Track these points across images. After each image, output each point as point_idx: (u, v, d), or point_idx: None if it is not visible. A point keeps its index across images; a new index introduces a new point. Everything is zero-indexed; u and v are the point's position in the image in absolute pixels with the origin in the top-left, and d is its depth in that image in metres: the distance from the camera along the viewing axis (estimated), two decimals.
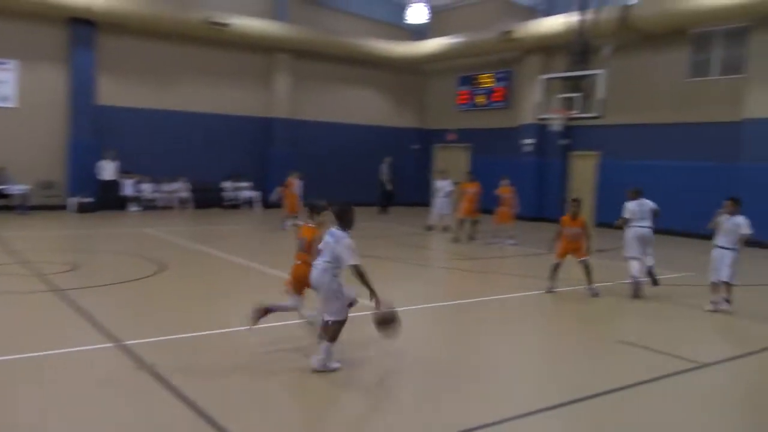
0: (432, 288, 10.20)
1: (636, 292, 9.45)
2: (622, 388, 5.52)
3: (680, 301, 9.48)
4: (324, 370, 5.47)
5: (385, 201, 22.75)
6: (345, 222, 5.63)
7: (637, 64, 18.89)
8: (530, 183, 21.07)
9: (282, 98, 22.71)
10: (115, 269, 10.13)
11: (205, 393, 4.99)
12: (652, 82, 18.59)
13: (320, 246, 5.66)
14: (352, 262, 5.38)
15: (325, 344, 5.51)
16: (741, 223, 8.59)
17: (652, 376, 5.85)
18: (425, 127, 26.33)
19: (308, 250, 5.97)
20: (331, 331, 5.51)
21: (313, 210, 6.13)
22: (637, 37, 18.34)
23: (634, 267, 9.57)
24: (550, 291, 9.56)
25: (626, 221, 9.72)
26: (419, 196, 25.48)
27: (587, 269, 9.49)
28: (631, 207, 9.78)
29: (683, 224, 16.58)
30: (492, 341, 7.12)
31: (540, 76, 17.80)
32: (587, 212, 19.94)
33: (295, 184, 16.65)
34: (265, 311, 6.14)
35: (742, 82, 16.52)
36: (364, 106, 24.88)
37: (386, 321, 5.37)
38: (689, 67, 17.83)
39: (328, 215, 5.86)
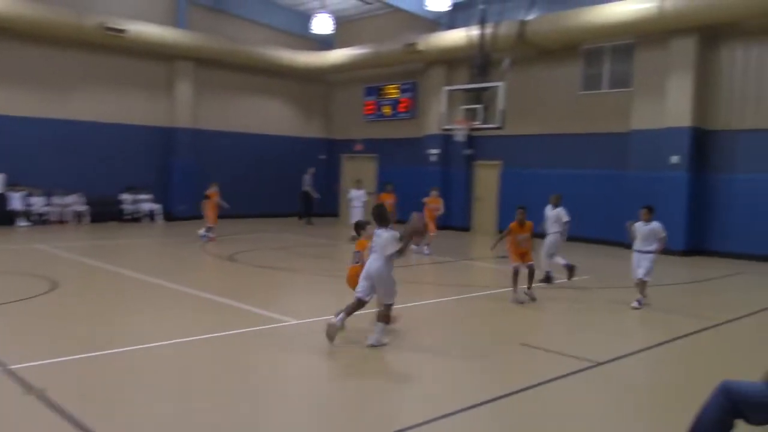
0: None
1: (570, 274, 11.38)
2: (520, 390, 5.82)
3: (579, 301, 10.05)
4: (378, 345, 6.85)
5: (310, 211, 22.64)
6: (383, 220, 7.06)
7: (534, 78, 19.87)
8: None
9: (184, 107, 22.24)
10: (0, 289, 9.57)
11: (104, 419, 4.73)
12: (548, 95, 19.60)
13: (372, 246, 7.02)
14: (394, 250, 6.80)
15: (380, 325, 6.92)
16: (657, 228, 9.64)
17: (547, 377, 6.19)
18: (332, 137, 26.49)
19: (362, 260, 7.33)
20: (385, 313, 6.94)
21: (360, 228, 7.73)
22: (533, 51, 19.30)
23: (559, 260, 11.37)
24: (518, 302, 9.68)
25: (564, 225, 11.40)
26: (329, 207, 25.57)
27: (532, 274, 9.96)
28: (547, 213, 11.55)
29: (580, 229, 17.53)
30: (400, 348, 7.30)
31: (443, 88, 18.35)
32: (492, 219, 20.69)
33: (216, 195, 16.70)
34: (347, 314, 7.04)
35: (629, 95, 17.72)
36: (270, 116, 24.74)
37: (417, 231, 6.87)
38: (582, 80, 18.95)
39: (371, 228, 7.25)
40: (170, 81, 22.15)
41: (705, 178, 16.65)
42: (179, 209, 21.98)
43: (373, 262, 6.95)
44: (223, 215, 22.39)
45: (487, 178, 21.38)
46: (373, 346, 6.81)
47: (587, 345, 7.59)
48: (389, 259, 6.89)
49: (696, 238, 16.60)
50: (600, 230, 17.83)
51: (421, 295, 10.23)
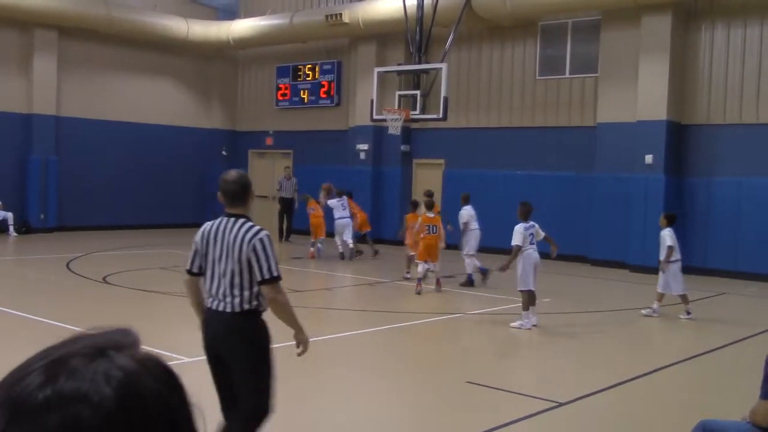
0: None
1: (484, 279, 14.01)
2: None
3: (540, 330, 10.29)
4: (520, 328, 10.09)
5: (291, 225, 21.79)
6: (525, 215, 10.55)
7: (484, 59, 20.27)
8: (365, 196, 21.66)
9: (44, 89, 21.59)
10: None
11: None
12: (500, 80, 20.04)
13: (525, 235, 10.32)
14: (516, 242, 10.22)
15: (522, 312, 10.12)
16: (664, 237, 11.33)
17: (502, 420, 6.29)
18: (237, 128, 26.23)
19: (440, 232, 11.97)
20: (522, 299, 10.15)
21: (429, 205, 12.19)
22: (483, 27, 19.68)
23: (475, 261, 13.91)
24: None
25: (467, 225, 14.00)
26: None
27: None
28: (470, 212, 14.15)
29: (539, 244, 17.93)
30: (323, 390, 7.27)
31: (374, 69, 18.48)
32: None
33: None
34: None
35: (594, 82, 18.30)
36: (157, 102, 24.30)
37: None
38: (540, 63, 19.45)
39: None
40: (26, 56, 21.43)
41: (683, 182, 17.33)
42: (38, 218, 21.28)
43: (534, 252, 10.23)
44: (97, 225, 21.90)
45: (428, 180, 21.59)
46: (515, 328, 10.17)
47: (545, 381, 7.76)
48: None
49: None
50: (561, 243, 18.26)
51: (350, 324, 10.24)
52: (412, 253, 14.06)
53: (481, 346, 9.83)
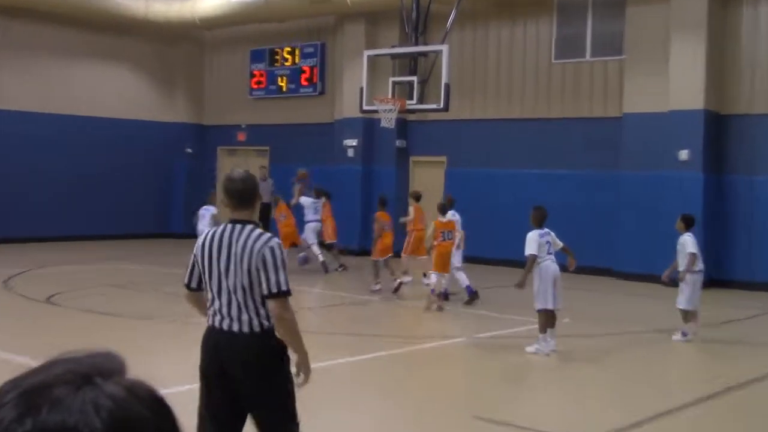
0: None
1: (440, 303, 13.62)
2: None
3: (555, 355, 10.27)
4: (537, 353, 9.94)
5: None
6: (539, 221, 10.51)
7: (491, 40, 20.29)
8: (354, 200, 21.64)
9: None
10: None
11: None
12: (511, 64, 20.05)
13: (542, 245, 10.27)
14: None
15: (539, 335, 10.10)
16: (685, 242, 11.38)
17: None
18: (205, 122, 26.19)
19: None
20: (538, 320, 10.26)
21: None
22: (489, 2, 19.67)
23: (464, 277, 14.02)
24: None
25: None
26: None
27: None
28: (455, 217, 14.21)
29: (556, 255, 17.94)
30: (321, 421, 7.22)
31: (364, 52, 18.45)
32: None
33: None
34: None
35: (620, 65, 18.32)
36: (111, 92, 24.25)
37: None
38: (557, 44, 19.47)
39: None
40: None
41: (723, 181, 17.35)
42: None
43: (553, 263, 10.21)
44: (40, 237, 21.81)
45: (427, 180, 21.57)
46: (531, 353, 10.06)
47: (564, 416, 7.72)
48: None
49: (713, 264, 17.23)
50: (584, 254, 18.25)
51: (340, 350, 10.19)
52: (377, 258, 14.91)
53: (490, 374, 9.79)
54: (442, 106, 16.55)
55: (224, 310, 4.53)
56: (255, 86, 24.60)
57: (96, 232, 23.33)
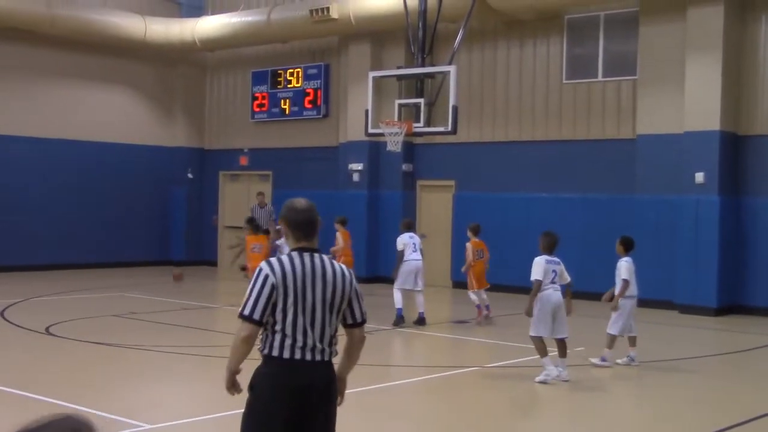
0: None
1: (398, 323, 14.51)
2: None
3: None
4: (545, 381, 10.02)
5: None
6: (549, 248, 10.53)
7: (500, 60, 20.32)
8: (359, 226, 21.61)
9: None
10: None
11: None
12: (521, 85, 20.07)
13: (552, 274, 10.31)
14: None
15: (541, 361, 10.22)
16: (619, 267, 11.31)
17: None
18: (206, 146, 26.26)
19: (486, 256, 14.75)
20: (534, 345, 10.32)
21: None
22: (498, 21, 19.75)
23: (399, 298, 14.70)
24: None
25: (402, 253, 14.71)
26: (200, 251, 25.22)
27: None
28: (404, 240, 14.81)
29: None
30: None
31: (369, 74, 18.50)
32: (443, 265, 20.82)
33: None
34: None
35: (633, 85, 18.34)
36: (108, 115, 24.32)
37: None
38: (567, 64, 19.50)
39: None
40: None
41: (741, 204, 17.30)
42: None
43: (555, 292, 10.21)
44: (37, 265, 21.82)
45: (435, 206, 21.55)
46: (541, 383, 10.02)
47: None
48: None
49: (730, 289, 17.16)
50: (595, 280, 18.18)
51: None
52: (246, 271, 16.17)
53: (495, 407, 9.72)
54: (450, 128, 16.56)
55: (318, 341, 4.58)
56: (257, 109, 24.65)
57: (94, 260, 23.34)
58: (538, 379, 10.15)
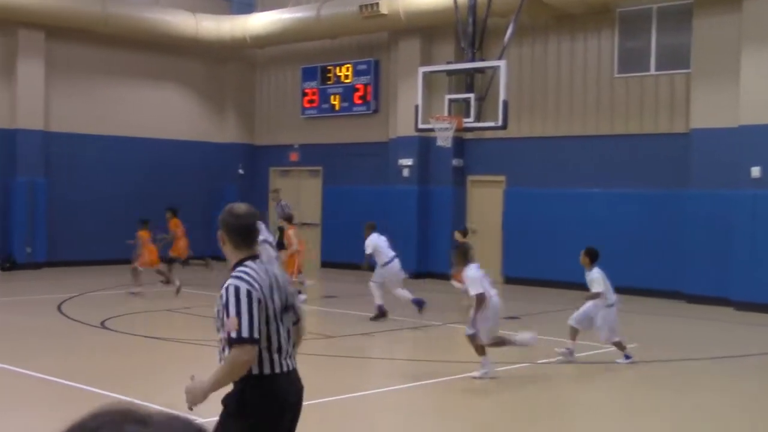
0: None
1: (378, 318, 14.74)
2: None
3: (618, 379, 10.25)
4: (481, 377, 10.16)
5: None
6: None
7: (551, 55, 20.30)
8: (409, 221, 21.75)
9: (30, 99, 22.12)
10: None
11: None
12: (572, 79, 20.03)
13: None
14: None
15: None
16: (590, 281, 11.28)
17: None
18: (257, 142, 26.55)
19: None
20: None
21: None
22: (549, 16, 19.73)
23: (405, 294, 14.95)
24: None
25: (371, 256, 15.06)
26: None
27: None
28: (375, 241, 14.97)
29: (622, 275, 17.85)
30: None
31: (419, 69, 18.61)
32: (494, 261, 20.87)
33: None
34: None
35: (687, 79, 18.23)
36: (162, 112, 24.72)
37: None
38: (619, 58, 19.43)
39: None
40: (8, 61, 21.99)
41: None
42: (24, 252, 21.75)
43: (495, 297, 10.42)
44: (93, 260, 22.21)
45: (485, 201, 21.60)
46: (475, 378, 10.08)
47: None
48: None
49: None
50: (649, 276, 18.14)
51: (394, 378, 10.26)
52: (139, 267, 17.35)
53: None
54: (500, 123, 16.62)
55: (290, 347, 4.66)
56: (307, 105, 24.86)
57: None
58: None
